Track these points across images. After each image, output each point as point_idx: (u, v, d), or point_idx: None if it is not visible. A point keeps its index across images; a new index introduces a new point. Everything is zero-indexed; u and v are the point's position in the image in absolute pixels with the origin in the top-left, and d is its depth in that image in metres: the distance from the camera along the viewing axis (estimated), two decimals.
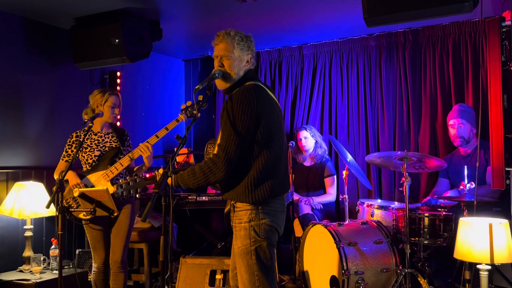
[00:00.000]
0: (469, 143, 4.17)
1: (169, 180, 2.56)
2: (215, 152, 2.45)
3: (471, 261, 2.96)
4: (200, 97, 2.65)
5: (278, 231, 2.55)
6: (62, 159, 3.55)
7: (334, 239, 3.59)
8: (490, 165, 3.53)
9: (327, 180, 4.85)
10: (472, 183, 3.61)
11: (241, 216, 2.49)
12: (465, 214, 3.52)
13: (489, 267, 2.88)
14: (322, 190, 4.87)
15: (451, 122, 4.23)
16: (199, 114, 2.62)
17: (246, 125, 2.40)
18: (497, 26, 3.52)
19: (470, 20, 4.55)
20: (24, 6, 4.17)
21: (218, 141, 2.47)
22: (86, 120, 3.38)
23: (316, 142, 4.93)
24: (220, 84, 2.58)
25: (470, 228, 2.89)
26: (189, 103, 3.01)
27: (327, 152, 5.04)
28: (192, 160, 5.35)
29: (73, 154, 3.48)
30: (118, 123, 5.06)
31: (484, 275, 2.89)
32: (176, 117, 3.20)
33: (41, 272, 3.97)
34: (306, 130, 4.93)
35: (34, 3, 4.08)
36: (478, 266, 2.91)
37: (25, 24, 4.44)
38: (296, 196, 4.73)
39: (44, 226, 4.45)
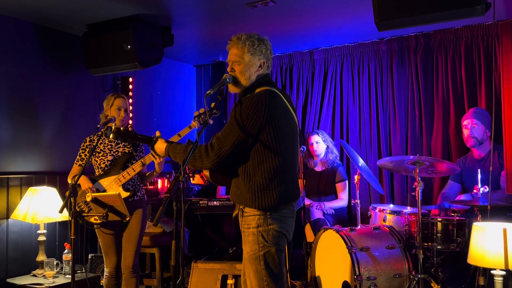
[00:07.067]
0: (482, 144, 4.12)
1: (160, 146, 2.61)
2: (213, 141, 2.47)
3: (485, 267, 2.92)
4: (213, 104, 2.66)
5: (286, 236, 2.54)
6: (76, 163, 3.58)
7: (346, 244, 3.58)
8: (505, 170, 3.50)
9: (338, 185, 4.83)
10: (486, 186, 3.57)
11: (249, 221, 2.49)
12: (478, 218, 3.47)
13: (504, 272, 2.84)
14: (334, 195, 4.84)
15: (465, 122, 4.19)
16: (211, 121, 2.63)
17: (248, 131, 2.41)
18: (510, 29, 3.50)
19: (482, 23, 4.51)
20: (36, 13, 4.22)
21: (219, 133, 2.49)
22: (98, 126, 3.40)
23: (328, 147, 4.91)
24: (232, 89, 2.59)
25: (484, 233, 2.85)
26: (202, 110, 3.02)
27: (338, 157, 5.01)
28: None
29: (86, 158, 3.50)
30: (129, 128, 5.10)
31: (498, 280, 2.85)
32: (188, 122, 3.22)
33: (54, 277, 4.00)
34: (318, 135, 4.91)
35: (46, 10, 4.12)
36: (492, 272, 2.87)
37: (37, 31, 4.49)
38: (307, 201, 4.71)
39: (57, 230, 4.48)
